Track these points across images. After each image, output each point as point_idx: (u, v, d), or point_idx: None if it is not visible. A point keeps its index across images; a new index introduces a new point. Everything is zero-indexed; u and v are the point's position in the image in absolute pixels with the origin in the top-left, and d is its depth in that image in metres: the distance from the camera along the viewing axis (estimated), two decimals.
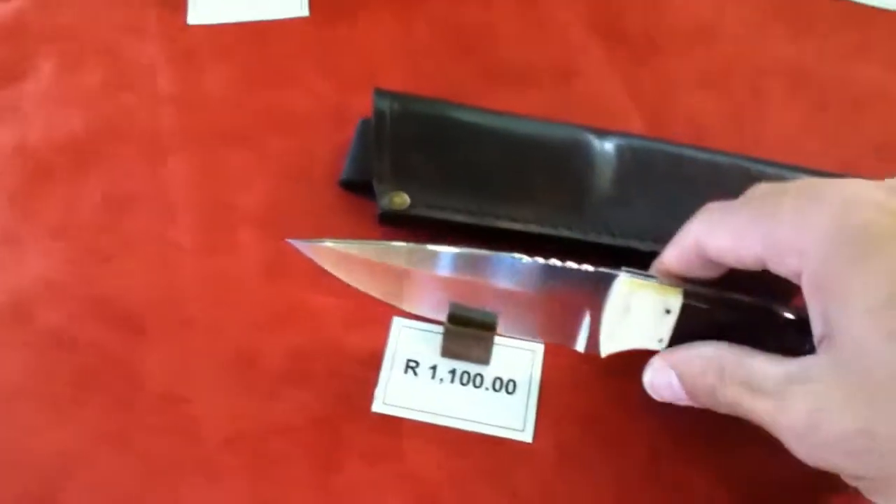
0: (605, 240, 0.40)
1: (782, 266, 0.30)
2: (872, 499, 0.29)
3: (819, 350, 0.28)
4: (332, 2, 0.52)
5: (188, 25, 0.51)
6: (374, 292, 0.36)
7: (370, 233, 0.41)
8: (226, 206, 0.43)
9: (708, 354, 0.32)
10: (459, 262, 0.35)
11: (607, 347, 0.35)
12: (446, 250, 0.35)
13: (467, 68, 0.49)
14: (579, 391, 0.38)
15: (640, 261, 0.36)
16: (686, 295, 0.33)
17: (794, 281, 0.30)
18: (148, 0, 0.52)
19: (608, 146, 0.43)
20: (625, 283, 0.34)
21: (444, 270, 0.35)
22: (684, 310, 0.33)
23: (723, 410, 0.32)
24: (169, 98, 0.48)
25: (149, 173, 0.44)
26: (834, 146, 0.46)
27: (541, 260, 0.34)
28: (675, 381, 0.33)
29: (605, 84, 0.49)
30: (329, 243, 0.35)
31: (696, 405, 0.34)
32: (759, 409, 0.30)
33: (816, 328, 0.29)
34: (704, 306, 0.33)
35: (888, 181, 0.30)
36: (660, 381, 0.34)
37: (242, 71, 0.49)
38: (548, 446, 0.37)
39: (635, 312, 0.34)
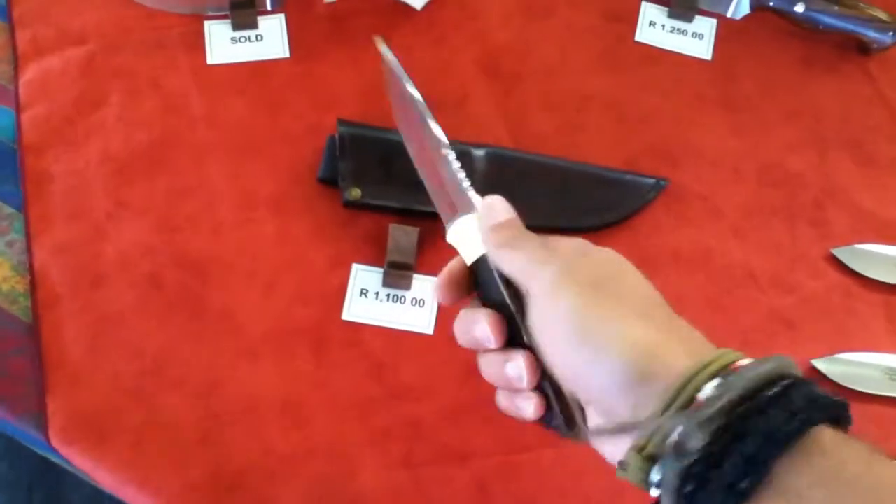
0: None
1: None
2: None
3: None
4: (306, 47, 0.76)
5: (208, 65, 0.75)
6: None
7: (338, 213, 0.68)
8: (248, 194, 0.69)
9: None
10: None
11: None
12: None
13: None
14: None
15: None
16: None
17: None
18: (178, 46, 0.76)
19: (480, 154, 0.70)
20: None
21: None
22: None
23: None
24: (202, 119, 0.72)
25: (195, 172, 0.69)
26: (624, 149, 0.73)
27: None
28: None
29: (485, 107, 0.75)
30: None
31: None
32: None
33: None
34: None
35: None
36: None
37: (250, 99, 0.73)
38: (442, 337, 0.64)
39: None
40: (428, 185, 0.53)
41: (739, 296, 0.53)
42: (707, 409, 0.34)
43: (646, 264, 0.67)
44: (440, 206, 0.51)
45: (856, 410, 0.51)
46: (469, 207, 0.49)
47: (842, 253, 0.69)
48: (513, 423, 0.60)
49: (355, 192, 0.67)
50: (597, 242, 0.68)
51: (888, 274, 0.69)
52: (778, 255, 0.70)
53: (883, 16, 0.78)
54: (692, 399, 0.36)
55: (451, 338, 0.64)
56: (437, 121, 0.53)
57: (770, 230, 0.71)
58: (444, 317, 0.65)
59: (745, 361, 0.37)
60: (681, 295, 0.66)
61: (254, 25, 0.76)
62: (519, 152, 0.71)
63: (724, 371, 0.36)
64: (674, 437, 0.35)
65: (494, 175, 0.69)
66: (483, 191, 0.66)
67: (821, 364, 0.64)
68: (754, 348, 0.60)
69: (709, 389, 0.35)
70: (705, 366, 0.36)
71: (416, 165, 0.53)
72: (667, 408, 0.36)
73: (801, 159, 0.75)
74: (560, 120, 0.75)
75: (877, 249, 0.70)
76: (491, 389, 0.62)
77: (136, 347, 0.63)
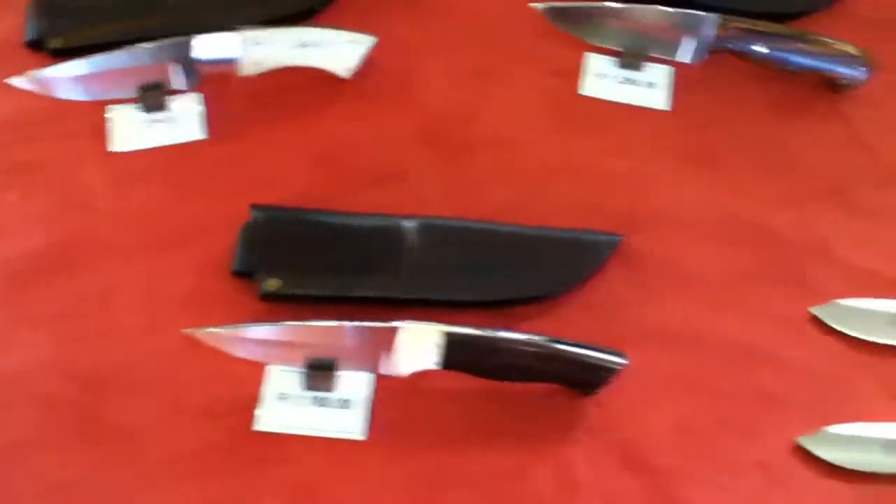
0: (416, 294, 0.59)
1: None
2: None
3: None
4: (224, 126, 0.70)
5: (116, 152, 0.68)
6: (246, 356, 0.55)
7: (258, 307, 0.60)
8: (158, 295, 0.61)
9: None
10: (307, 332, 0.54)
11: (407, 370, 0.55)
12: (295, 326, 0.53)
13: (328, 175, 0.68)
14: (395, 403, 0.57)
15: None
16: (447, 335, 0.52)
17: None
18: (85, 136, 0.69)
19: (411, 226, 0.62)
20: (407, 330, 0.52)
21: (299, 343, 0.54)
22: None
23: None
24: (108, 213, 0.65)
25: (99, 274, 0.62)
26: (585, 216, 0.66)
27: (352, 323, 0.53)
28: None
29: (425, 180, 0.68)
30: (209, 329, 0.54)
31: None
32: None
33: None
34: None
35: None
36: None
37: (162, 187, 0.66)
38: (379, 442, 0.56)
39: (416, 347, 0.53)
40: None
41: (716, 372, 0.45)
42: None
43: (609, 341, 0.59)
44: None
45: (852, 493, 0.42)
46: None
47: (821, 312, 0.61)
48: None
49: (273, 283, 0.59)
50: (552, 314, 0.61)
51: (873, 332, 0.61)
52: (756, 322, 0.62)
53: (852, 50, 0.72)
54: None
55: (390, 443, 0.56)
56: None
57: (747, 295, 0.63)
58: (380, 418, 0.57)
59: None
60: (649, 374, 0.58)
61: (162, 107, 0.70)
62: (455, 220, 0.63)
63: None
64: None
65: (429, 248, 0.61)
66: (420, 263, 0.58)
67: (808, 443, 0.55)
68: (734, 427, 0.50)
69: None
70: None
71: None
72: None
73: (780, 213, 0.68)
74: (512, 190, 0.68)
75: (860, 305, 0.62)
76: None
77: (42, 482, 0.54)
